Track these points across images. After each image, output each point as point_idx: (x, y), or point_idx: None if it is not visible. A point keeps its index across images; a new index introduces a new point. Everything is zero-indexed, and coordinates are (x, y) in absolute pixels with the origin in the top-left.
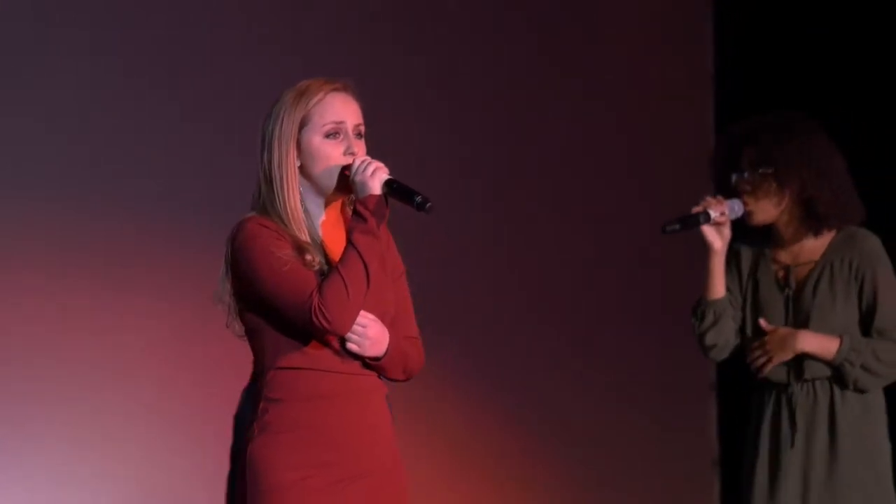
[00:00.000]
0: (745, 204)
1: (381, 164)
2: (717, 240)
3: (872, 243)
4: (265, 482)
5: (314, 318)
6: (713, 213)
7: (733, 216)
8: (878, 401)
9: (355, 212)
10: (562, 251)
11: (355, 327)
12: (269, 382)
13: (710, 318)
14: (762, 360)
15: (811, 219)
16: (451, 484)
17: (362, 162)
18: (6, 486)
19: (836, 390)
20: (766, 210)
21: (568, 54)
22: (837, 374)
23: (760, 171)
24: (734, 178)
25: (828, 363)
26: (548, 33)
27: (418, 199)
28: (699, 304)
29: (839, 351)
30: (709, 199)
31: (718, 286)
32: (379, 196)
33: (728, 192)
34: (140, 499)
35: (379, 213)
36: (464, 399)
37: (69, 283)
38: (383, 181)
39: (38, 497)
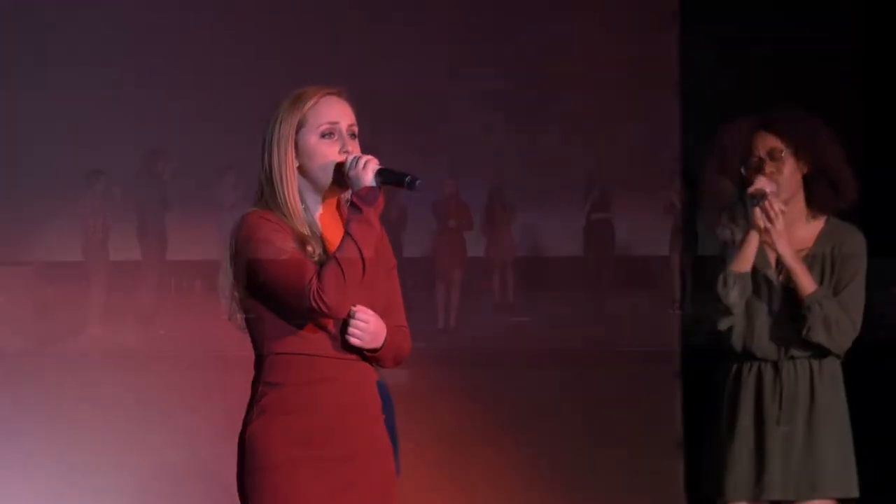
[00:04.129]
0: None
1: (371, 157)
2: (762, 219)
3: (860, 240)
4: (259, 462)
5: (313, 303)
6: (767, 190)
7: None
8: (839, 372)
9: (352, 204)
10: (537, 250)
11: (359, 322)
12: (267, 367)
13: (738, 290)
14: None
15: (825, 197)
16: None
17: (354, 158)
18: (11, 481)
19: (814, 367)
20: (788, 190)
21: (537, 58)
22: (800, 319)
23: (783, 153)
24: (745, 167)
25: (798, 300)
26: (516, 40)
27: (408, 178)
28: (727, 276)
29: (815, 291)
30: (762, 178)
31: (749, 262)
32: (372, 187)
33: (734, 179)
34: (149, 491)
35: (373, 201)
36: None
37: (72, 283)
38: (375, 171)
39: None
